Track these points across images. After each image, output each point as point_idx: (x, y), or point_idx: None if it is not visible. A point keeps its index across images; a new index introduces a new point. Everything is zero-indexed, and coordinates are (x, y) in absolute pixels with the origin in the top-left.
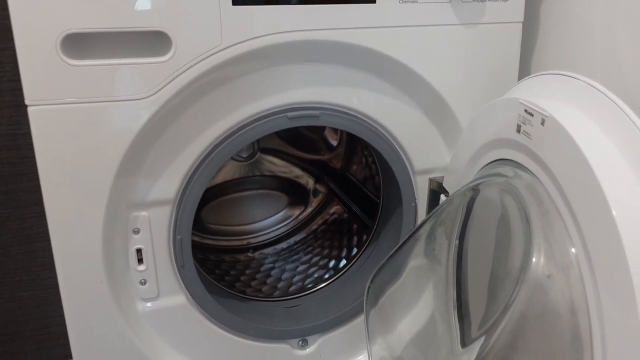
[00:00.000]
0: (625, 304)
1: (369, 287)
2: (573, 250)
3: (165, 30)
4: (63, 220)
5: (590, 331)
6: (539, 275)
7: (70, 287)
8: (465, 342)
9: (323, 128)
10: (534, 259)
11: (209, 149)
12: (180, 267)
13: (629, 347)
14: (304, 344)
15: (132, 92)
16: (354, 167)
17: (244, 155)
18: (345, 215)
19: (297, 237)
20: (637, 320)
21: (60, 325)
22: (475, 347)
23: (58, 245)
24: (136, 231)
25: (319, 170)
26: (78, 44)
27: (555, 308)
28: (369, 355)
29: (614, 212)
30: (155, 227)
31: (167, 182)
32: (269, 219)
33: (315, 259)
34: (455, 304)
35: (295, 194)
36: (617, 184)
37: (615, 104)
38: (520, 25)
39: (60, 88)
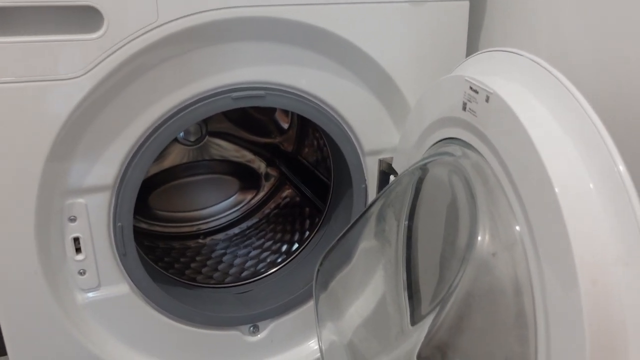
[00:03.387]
0: (566, 281)
1: (318, 270)
2: (517, 228)
3: (96, 5)
4: None
5: (534, 308)
6: (484, 254)
7: (1, 279)
8: (415, 321)
9: (273, 110)
10: (479, 238)
11: (149, 132)
12: (122, 256)
13: (571, 324)
14: (255, 330)
15: (62, 71)
16: (306, 150)
17: (192, 139)
18: (298, 198)
19: (249, 222)
20: (578, 296)
21: None
22: (425, 324)
23: None
24: (72, 219)
25: (270, 154)
26: (3, 19)
27: (500, 286)
28: (319, 340)
29: (556, 189)
30: (94, 215)
31: (105, 167)
32: (220, 204)
33: (268, 244)
34: (405, 284)
35: (246, 178)
36: (560, 161)
37: (559, 80)
38: (467, 3)
39: None
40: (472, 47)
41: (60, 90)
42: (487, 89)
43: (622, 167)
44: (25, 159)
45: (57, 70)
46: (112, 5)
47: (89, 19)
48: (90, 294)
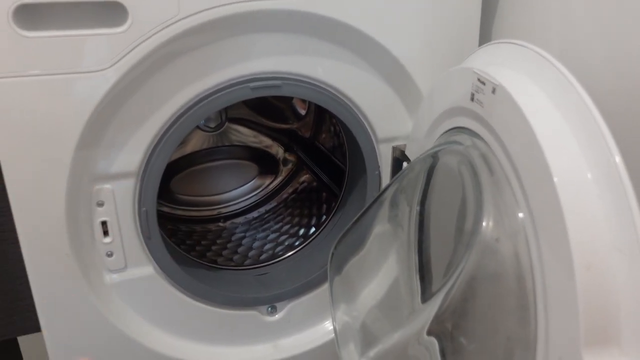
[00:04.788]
0: (563, 266)
1: (332, 254)
2: (520, 215)
3: (121, 0)
4: (25, 194)
5: (535, 291)
6: (487, 239)
7: (35, 261)
8: (425, 299)
9: (291, 97)
10: (483, 224)
11: (171, 121)
12: (147, 239)
13: (566, 306)
14: (273, 310)
15: (89, 64)
16: (323, 135)
17: (212, 125)
18: (315, 183)
19: (267, 206)
20: (574, 280)
21: (29, 299)
22: (436, 301)
23: (21, 220)
24: (100, 204)
25: (288, 140)
26: (32, 14)
27: (503, 270)
28: (333, 321)
29: (555, 179)
30: (120, 200)
31: (130, 154)
32: (240, 189)
33: (285, 227)
34: (417, 266)
35: (265, 163)
36: (560, 152)
37: (562, 73)
38: None
39: (15, 61)
40: (484, 37)
41: (87, 82)
42: (494, 81)
43: (618, 158)
44: (56, 147)
45: (84, 63)
46: (136, 0)
47: (114, 13)
48: (117, 275)
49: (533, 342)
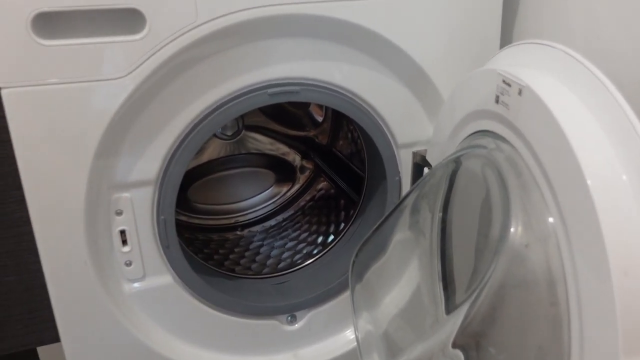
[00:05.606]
0: (599, 272)
1: (353, 262)
2: (551, 219)
3: (138, 7)
4: (43, 204)
5: (567, 299)
6: (516, 245)
7: (54, 271)
8: (449, 310)
9: (308, 104)
10: (512, 229)
11: (189, 128)
12: (165, 248)
13: (603, 314)
14: (293, 319)
15: (107, 71)
16: (340, 142)
17: (229, 133)
18: (332, 190)
19: (285, 214)
20: (611, 287)
21: (48, 309)
22: (460, 313)
23: (40, 229)
24: (119, 212)
25: (305, 147)
26: (49, 23)
27: (533, 277)
28: (355, 330)
29: (588, 182)
30: (138, 208)
31: (148, 162)
32: (257, 197)
33: (303, 235)
34: (440, 274)
35: (282, 171)
36: (592, 153)
37: (592, 72)
38: None
39: (34, 69)
40: (505, 39)
41: (105, 90)
42: (520, 82)
43: None
44: (74, 156)
45: (102, 71)
46: (153, 7)
47: (132, 20)
48: (136, 284)
49: (567, 352)
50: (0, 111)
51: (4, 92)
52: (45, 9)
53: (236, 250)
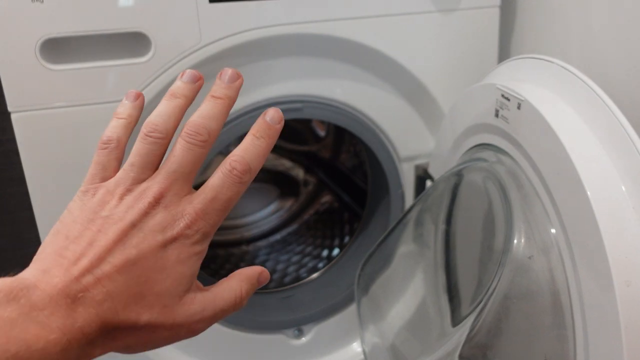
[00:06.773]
0: (602, 282)
1: (359, 275)
2: (553, 231)
3: (144, 31)
4: (52, 224)
5: (572, 309)
6: (520, 257)
7: None
8: (455, 322)
9: (310, 119)
10: (515, 241)
11: None
12: None
13: (607, 323)
14: (300, 333)
15: (114, 94)
16: (343, 156)
17: (232, 149)
18: (336, 204)
19: (289, 229)
20: (614, 297)
21: None
22: (466, 325)
23: None
24: None
25: (308, 161)
26: (57, 48)
27: (537, 288)
28: (362, 342)
29: (588, 193)
30: None
31: None
32: (261, 212)
33: (308, 249)
34: (445, 287)
35: (285, 185)
36: (591, 165)
37: (588, 86)
38: (498, 9)
39: (42, 94)
40: (503, 54)
41: (112, 112)
42: (519, 96)
43: None
44: (82, 177)
45: (108, 94)
46: (158, 30)
47: (138, 44)
48: None
49: None
50: (10, 134)
51: (13, 116)
52: (53, 35)
53: (241, 265)
